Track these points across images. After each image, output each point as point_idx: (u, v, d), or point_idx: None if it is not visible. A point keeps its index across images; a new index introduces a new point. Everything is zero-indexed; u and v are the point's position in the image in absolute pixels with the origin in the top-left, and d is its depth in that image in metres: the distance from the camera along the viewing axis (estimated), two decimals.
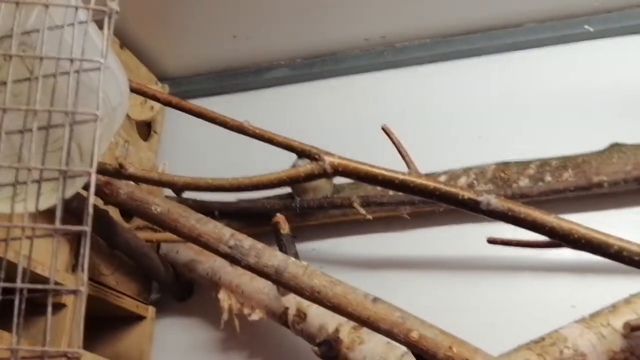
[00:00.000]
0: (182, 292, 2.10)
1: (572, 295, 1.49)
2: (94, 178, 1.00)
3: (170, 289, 2.10)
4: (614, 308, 1.27)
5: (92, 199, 1.00)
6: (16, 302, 0.99)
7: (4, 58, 1.07)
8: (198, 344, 2.08)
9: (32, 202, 1.08)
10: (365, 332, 1.69)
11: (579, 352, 1.19)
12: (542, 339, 1.26)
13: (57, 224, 0.99)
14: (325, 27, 2.10)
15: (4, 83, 1.09)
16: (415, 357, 1.55)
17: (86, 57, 1.02)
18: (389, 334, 1.55)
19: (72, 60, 1.03)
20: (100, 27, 1.07)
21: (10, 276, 1.10)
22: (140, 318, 2.06)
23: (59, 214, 1.00)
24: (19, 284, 0.99)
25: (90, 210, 0.99)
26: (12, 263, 1.13)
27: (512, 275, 1.81)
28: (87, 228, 0.97)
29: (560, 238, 1.34)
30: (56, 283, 1.34)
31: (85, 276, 1.00)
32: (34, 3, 1.08)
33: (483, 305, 1.76)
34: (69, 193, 1.03)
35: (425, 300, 1.66)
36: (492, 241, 1.49)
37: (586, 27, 2.00)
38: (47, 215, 1.09)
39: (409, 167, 1.50)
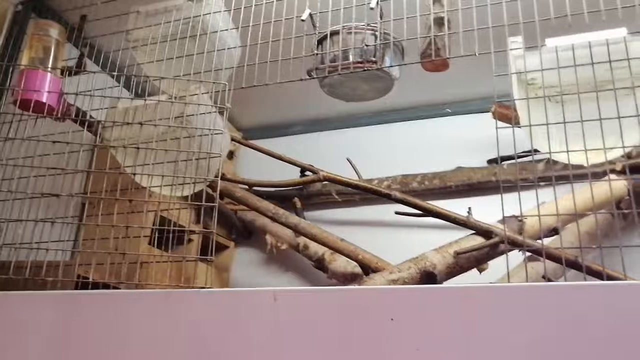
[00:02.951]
0: (247, 234, 2.14)
1: (433, 239, 1.49)
2: (219, 181, 1.19)
3: (241, 233, 2.14)
4: (449, 244, 1.42)
5: (218, 192, 1.20)
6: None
7: (182, 129, 1.20)
8: (254, 260, 2.12)
9: (189, 190, 1.24)
10: (337, 255, 1.72)
11: (433, 263, 1.36)
12: (416, 257, 1.38)
13: (203, 202, 1.15)
14: (321, 106, 2.16)
15: (176, 138, 1.29)
16: (361, 268, 1.61)
17: (216, 129, 1.18)
18: (348, 256, 1.64)
19: (209, 130, 1.18)
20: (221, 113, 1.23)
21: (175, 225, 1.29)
22: (226, 247, 2.14)
23: (204, 197, 1.15)
24: (187, 229, 1.19)
25: (218, 195, 1.17)
26: (181, 225, 1.32)
27: (406, 229, 1.88)
28: (216, 204, 1.12)
29: (427, 212, 1.49)
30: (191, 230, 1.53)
31: (214, 225, 1.20)
32: (193, 103, 1.22)
33: (391, 244, 1.80)
34: (203, 188, 1.20)
35: (365, 239, 1.69)
36: (397, 213, 1.62)
37: (447, 109, 2.11)
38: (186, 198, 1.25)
39: (358, 176, 1.67)
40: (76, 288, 1.31)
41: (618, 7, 1.00)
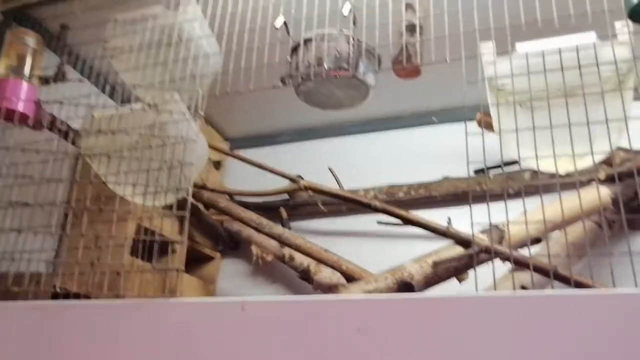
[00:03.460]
0: (233, 245, 2.12)
1: (417, 249, 1.49)
2: (191, 190, 1.20)
3: (227, 244, 2.12)
4: (428, 254, 1.42)
5: (190, 200, 1.20)
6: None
7: (152, 137, 1.20)
8: (240, 272, 2.11)
9: (162, 200, 1.26)
10: (322, 266, 1.71)
11: (411, 273, 1.32)
12: (393, 268, 1.39)
13: (174, 211, 1.15)
14: (307, 115, 2.12)
15: (150, 147, 1.29)
16: (345, 278, 1.61)
17: (189, 137, 1.17)
18: (332, 266, 1.64)
19: (182, 137, 1.18)
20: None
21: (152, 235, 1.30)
22: (212, 258, 2.11)
23: (175, 206, 1.15)
24: (157, 238, 1.19)
25: (189, 205, 1.15)
26: (152, 230, 1.33)
27: (391, 240, 1.88)
28: (187, 213, 1.12)
29: (407, 221, 1.50)
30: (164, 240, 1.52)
31: (185, 235, 1.20)
32: (165, 111, 1.21)
33: (376, 254, 1.77)
34: (179, 197, 1.18)
35: (350, 249, 1.71)
36: (380, 223, 1.61)
37: (433, 118, 2.11)
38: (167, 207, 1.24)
39: (340, 186, 1.68)
40: (53, 299, 1.32)
41: (588, 13, 1.00)
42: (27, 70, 1.37)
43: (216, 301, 1.05)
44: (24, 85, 1.31)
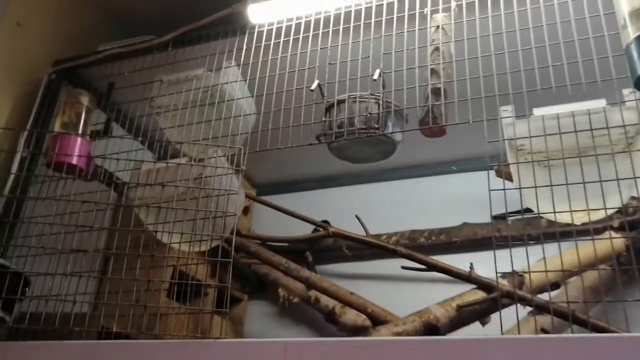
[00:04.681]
0: (260, 287, 2.19)
1: (439, 292, 1.56)
2: (234, 238, 1.29)
3: (255, 286, 2.19)
4: (452, 298, 1.49)
5: (233, 248, 1.29)
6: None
7: (197, 190, 1.30)
8: (267, 313, 2.17)
9: (204, 246, 1.34)
10: (347, 308, 1.76)
11: (436, 316, 1.42)
12: (420, 311, 1.46)
13: (219, 257, 1.25)
14: (332, 164, 2.08)
15: (195, 198, 1.39)
16: (370, 320, 1.65)
17: (232, 189, 1.27)
18: (357, 309, 1.70)
19: (226, 190, 1.27)
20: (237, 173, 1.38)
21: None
22: (241, 300, 2.19)
23: (220, 253, 1.25)
24: (204, 283, 1.27)
25: (232, 251, 1.24)
26: (198, 279, 1.41)
27: (414, 283, 1.89)
28: (231, 259, 1.22)
29: (431, 267, 1.57)
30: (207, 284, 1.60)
31: (229, 279, 1.29)
32: (211, 165, 1.32)
33: (399, 297, 1.82)
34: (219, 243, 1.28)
35: (375, 292, 1.74)
36: (404, 267, 1.69)
37: (453, 167, 2.18)
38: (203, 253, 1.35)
39: (366, 232, 1.76)
40: (99, 338, 1.40)
41: (598, 80, 1.10)
42: (81, 126, 1.48)
43: (259, 342, 1.13)
44: (80, 141, 1.42)
